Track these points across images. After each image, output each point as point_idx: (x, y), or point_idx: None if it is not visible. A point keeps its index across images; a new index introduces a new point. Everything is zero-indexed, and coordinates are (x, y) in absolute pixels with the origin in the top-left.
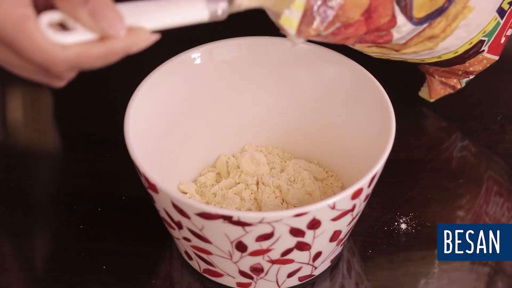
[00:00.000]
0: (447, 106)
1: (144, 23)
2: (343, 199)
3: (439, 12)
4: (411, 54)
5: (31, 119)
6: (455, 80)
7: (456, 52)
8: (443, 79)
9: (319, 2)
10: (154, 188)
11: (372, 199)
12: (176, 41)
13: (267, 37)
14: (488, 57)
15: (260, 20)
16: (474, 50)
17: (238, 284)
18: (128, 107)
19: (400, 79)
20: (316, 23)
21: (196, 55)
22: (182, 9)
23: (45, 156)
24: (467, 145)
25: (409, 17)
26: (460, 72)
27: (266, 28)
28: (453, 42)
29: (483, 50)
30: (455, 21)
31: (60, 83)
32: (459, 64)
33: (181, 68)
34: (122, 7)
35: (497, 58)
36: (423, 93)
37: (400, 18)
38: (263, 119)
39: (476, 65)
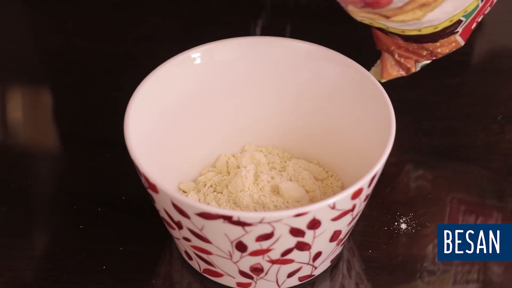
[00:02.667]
0: (446, 106)
1: None
2: (343, 199)
3: None
4: (399, 23)
5: (31, 119)
6: (412, 62)
7: (436, 28)
8: (402, 59)
9: None
10: (154, 188)
11: (372, 199)
12: (176, 41)
13: (267, 37)
14: (458, 40)
15: (260, 20)
16: (451, 30)
17: (238, 284)
18: (128, 107)
19: (399, 79)
20: None
21: (196, 55)
22: None
23: (45, 156)
24: (467, 144)
25: None
26: (425, 53)
27: (266, 28)
28: (438, 16)
29: (457, 32)
30: None
31: None
32: (431, 42)
33: (181, 68)
34: None
35: (463, 43)
36: (374, 72)
37: None
38: (263, 119)
39: (445, 47)
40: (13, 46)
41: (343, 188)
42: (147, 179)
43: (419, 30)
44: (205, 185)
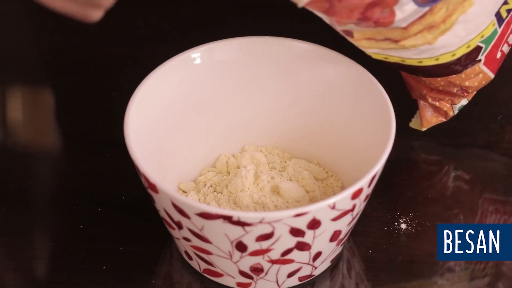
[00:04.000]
0: None
1: None
2: (343, 199)
3: None
4: (410, 50)
5: (31, 119)
6: (448, 106)
7: (454, 55)
8: (436, 103)
9: None
10: (154, 188)
11: (372, 199)
12: (176, 41)
13: (267, 37)
14: (484, 71)
15: (260, 20)
16: (472, 58)
17: (238, 284)
18: (128, 107)
19: (400, 79)
20: None
21: (196, 55)
22: None
23: (45, 156)
24: (467, 144)
25: None
26: (455, 90)
27: (266, 28)
28: (452, 40)
29: (480, 60)
30: (455, 13)
31: (98, 14)
32: (455, 74)
33: (181, 68)
34: None
35: (492, 76)
36: (414, 124)
37: None
38: (263, 119)
39: (472, 79)
40: (13, 46)
41: (343, 188)
42: (147, 179)
43: (437, 59)
44: (205, 185)
